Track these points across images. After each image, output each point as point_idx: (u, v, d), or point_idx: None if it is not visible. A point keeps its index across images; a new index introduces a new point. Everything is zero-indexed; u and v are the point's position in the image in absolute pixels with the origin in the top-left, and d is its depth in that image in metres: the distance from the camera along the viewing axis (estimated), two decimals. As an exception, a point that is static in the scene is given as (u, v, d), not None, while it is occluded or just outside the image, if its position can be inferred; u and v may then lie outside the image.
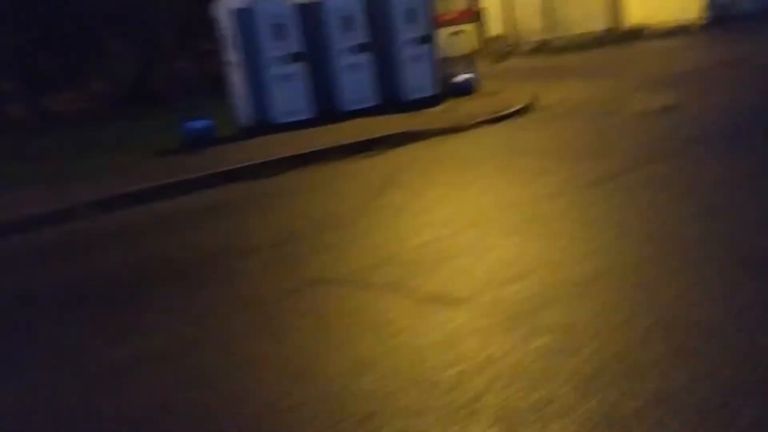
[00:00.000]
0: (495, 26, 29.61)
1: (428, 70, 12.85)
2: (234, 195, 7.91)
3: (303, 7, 11.92)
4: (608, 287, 3.68)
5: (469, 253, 4.55)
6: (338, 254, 5.02)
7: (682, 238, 4.29)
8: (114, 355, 3.78)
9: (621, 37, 23.20)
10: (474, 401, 2.75)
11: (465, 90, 13.60)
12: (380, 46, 12.47)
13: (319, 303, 4.15)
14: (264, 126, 11.60)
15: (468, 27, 23.13)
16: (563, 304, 3.52)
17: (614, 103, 10.07)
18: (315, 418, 2.83)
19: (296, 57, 11.72)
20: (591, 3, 25.79)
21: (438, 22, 15.61)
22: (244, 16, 11.66)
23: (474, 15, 31.40)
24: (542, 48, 25.86)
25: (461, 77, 13.95)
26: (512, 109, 10.71)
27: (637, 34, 22.78)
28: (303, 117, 11.69)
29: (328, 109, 12.04)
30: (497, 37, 25.59)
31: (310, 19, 12.04)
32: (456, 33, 14.36)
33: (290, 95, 11.74)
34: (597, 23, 25.28)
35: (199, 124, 11.18)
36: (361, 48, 12.17)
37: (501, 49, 24.35)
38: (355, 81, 12.21)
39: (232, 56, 12.11)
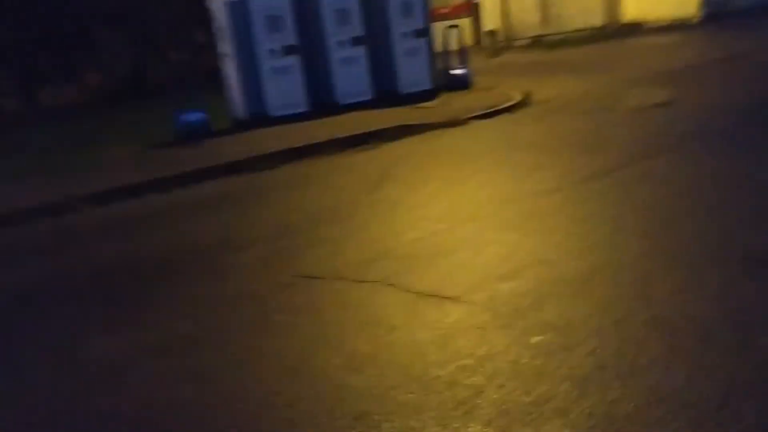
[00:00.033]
0: (491, 21, 29.61)
1: (424, 63, 12.82)
2: (229, 188, 7.87)
3: (298, 0, 11.86)
4: (605, 283, 3.66)
5: (466, 248, 4.52)
6: (334, 248, 4.99)
7: (678, 234, 4.27)
8: (111, 351, 3.74)
9: (617, 32, 23.21)
10: (471, 399, 2.73)
11: (461, 84, 13.58)
12: (376, 40, 12.43)
13: (314, 298, 4.12)
14: (259, 119, 11.56)
15: (464, 21, 23.10)
16: (560, 301, 3.50)
17: (610, 99, 10.05)
18: (311, 416, 2.81)
19: (291, 50, 11.67)
20: (587, -2, 25.77)
21: (434, 16, 15.57)
22: (238, 9, 11.59)
23: (470, 9, 31.40)
24: (538, 43, 25.86)
25: (457, 71, 13.92)
26: (508, 104, 10.69)
27: (633, 29, 22.78)
28: (298, 110, 11.65)
29: (323, 102, 12.01)
30: (493, 32, 25.55)
31: (306, 12, 11.98)
32: (452, 27, 14.29)
33: (285, 88, 11.70)
34: (593, 19, 25.29)
35: (194, 117, 11.14)
36: (357, 41, 12.12)
37: (497, 44, 24.30)
38: (351, 74, 12.17)
39: (227, 49, 12.05)
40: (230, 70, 12.17)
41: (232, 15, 11.62)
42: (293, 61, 11.70)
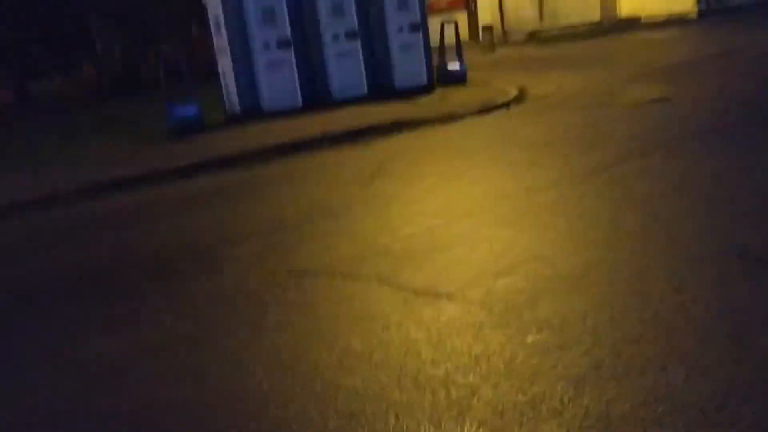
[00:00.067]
0: (487, 15, 29.54)
1: (420, 58, 12.76)
2: (222, 183, 7.81)
3: (293, -7, 11.80)
4: (601, 280, 3.61)
5: (461, 244, 4.48)
6: (328, 244, 4.93)
7: (676, 231, 4.23)
8: (108, 350, 3.69)
9: (614, 28, 23.18)
10: (466, 398, 2.68)
11: (457, 79, 13.53)
12: (371, 34, 12.36)
13: (307, 294, 4.07)
14: (253, 113, 11.50)
15: (460, 16, 23.03)
16: (556, 298, 3.45)
17: (607, 94, 10.01)
18: (304, 415, 2.76)
19: (285, 43, 11.59)
20: (584, -7, 25.75)
21: (430, 10, 15.50)
22: (233, 2, 11.51)
23: (466, 4, 31.33)
24: (534, 38, 25.82)
25: (453, 66, 13.86)
26: (504, 100, 10.64)
27: (629, 25, 22.76)
28: (292, 105, 11.59)
29: (317, 97, 11.95)
30: (489, 27, 25.48)
31: (300, 5, 11.91)
32: (448, 22, 14.23)
33: (280, 82, 11.63)
34: (590, 14, 25.25)
35: (187, 111, 11.06)
36: (352, 35, 12.05)
37: (493, 39, 24.24)
38: (346, 68, 12.10)
39: (221, 42, 11.97)
40: (224, 64, 12.10)
41: (226, 8, 11.54)
42: (288, 54, 11.63)
